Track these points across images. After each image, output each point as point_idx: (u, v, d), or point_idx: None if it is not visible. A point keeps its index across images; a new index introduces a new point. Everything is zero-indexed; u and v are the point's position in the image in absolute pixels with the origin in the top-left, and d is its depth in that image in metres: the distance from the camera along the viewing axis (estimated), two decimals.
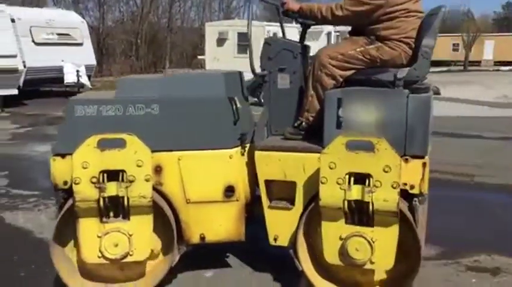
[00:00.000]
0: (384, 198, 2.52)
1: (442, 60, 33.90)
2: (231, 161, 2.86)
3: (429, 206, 3.81)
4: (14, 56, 11.53)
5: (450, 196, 4.89)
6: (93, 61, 14.56)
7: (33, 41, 12.49)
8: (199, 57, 23.30)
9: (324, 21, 3.05)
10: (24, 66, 11.94)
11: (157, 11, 28.98)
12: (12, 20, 12.03)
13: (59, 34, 13.26)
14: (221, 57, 17.65)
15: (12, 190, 4.92)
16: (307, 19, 3.11)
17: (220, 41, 18.47)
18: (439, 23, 2.84)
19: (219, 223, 2.91)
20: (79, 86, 13.16)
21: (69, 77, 13.02)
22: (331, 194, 2.58)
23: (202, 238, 2.91)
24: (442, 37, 36.89)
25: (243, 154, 2.93)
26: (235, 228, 2.93)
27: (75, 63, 12.99)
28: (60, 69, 12.81)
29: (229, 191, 2.88)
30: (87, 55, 14.01)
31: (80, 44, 13.90)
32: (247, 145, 2.97)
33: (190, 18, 32.64)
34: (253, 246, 3.21)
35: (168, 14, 28.96)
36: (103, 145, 2.60)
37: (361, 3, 2.87)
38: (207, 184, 2.85)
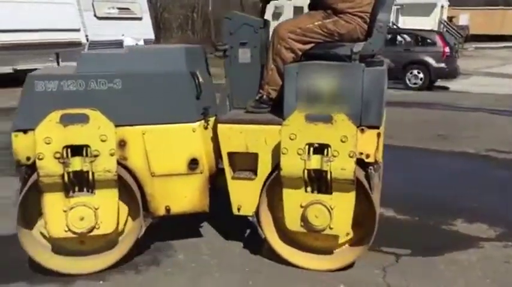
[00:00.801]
0: (342, 167, 2.66)
1: (508, 35, 33.29)
2: (194, 135, 2.92)
3: (492, 186, 3.86)
4: (78, 30, 11.47)
5: (509, 176, 4.93)
6: (151, 36, 14.04)
7: (95, 15, 12.21)
8: None
9: None
10: (87, 40, 11.77)
11: None
12: None
13: (119, 8, 12.91)
14: None
15: None
16: None
17: (276, 15, 18.17)
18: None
19: (184, 195, 2.98)
20: None
21: None
22: (291, 164, 2.70)
23: (168, 209, 2.98)
24: (508, 10, 36.35)
25: (206, 127, 2.99)
26: (199, 200, 3.01)
27: (135, 37, 12.54)
28: (120, 44, 12.25)
29: (193, 163, 2.95)
30: (146, 30, 13.59)
31: (139, 19, 13.50)
32: (210, 119, 3.04)
33: None
34: (216, 216, 3.31)
35: None
36: (66, 120, 2.60)
37: None
38: (171, 157, 2.91)
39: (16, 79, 10.13)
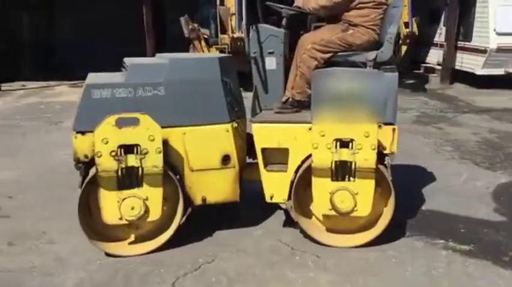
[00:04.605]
0: (365, 158, 3.09)
1: None
2: (227, 134, 3.31)
3: None
4: None
5: None
6: None
7: None
8: None
9: (315, 11, 3.55)
10: None
11: None
12: None
13: None
14: None
15: None
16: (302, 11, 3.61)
17: None
18: (401, 14, 3.38)
19: (218, 187, 3.39)
20: None
21: None
22: (322, 157, 3.13)
23: (204, 200, 3.38)
24: None
25: (236, 127, 3.39)
26: (231, 191, 3.42)
27: None
28: None
29: (226, 159, 3.35)
30: None
31: None
32: (240, 120, 3.44)
33: None
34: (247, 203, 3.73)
35: None
36: (120, 123, 3.00)
37: None
38: (207, 154, 3.31)
39: (508, 81, 10.26)
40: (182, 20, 10.76)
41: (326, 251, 3.30)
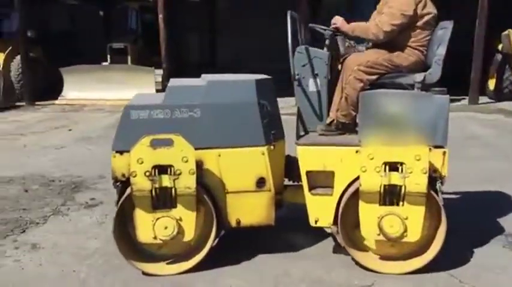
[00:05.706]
0: (416, 182, 2.95)
1: None
2: (262, 157, 3.26)
3: None
4: None
5: None
6: None
7: None
8: None
9: (377, 38, 3.37)
10: None
11: None
12: None
13: None
14: None
15: None
16: (356, 37, 3.54)
17: None
18: (449, 36, 3.16)
19: (253, 210, 3.33)
20: None
21: None
22: (370, 181, 3.01)
23: (238, 222, 3.34)
24: None
25: (272, 150, 3.32)
26: (266, 214, 3.35)
27: None
28: None
29: (261, 182, 3.29)
30: None
31: None
32: (277, 142, 3.37)
33: None
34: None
35: None
36: (155, 144, 3.04)
37: (402, 16, 3.23)
38: (242, 177, 3.27)
39: None
40: (338, 38, 10.88)
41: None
